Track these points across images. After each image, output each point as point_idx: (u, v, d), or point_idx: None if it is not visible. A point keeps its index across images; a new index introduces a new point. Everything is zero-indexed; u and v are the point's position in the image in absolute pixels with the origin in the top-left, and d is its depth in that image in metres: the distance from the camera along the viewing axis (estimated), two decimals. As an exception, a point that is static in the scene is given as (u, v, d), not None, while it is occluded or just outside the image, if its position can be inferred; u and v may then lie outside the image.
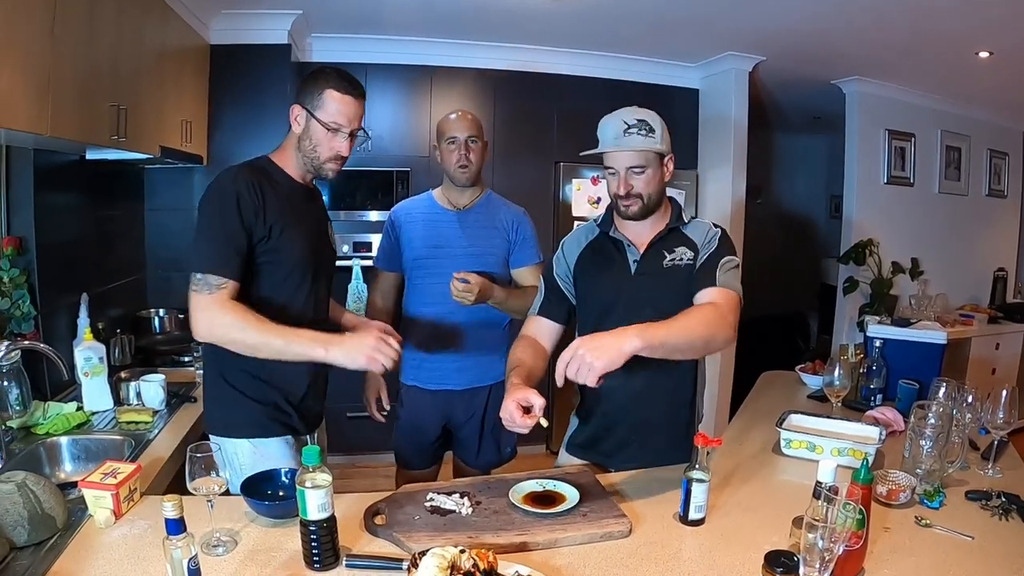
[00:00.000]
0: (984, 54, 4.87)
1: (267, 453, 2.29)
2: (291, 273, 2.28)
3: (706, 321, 2.07)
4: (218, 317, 2.06)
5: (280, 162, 2.33)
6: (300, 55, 4.99)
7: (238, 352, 2.10)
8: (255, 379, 2.28)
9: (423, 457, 3.17)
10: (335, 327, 2.54)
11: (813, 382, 3.24)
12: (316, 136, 2.25)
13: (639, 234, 2.35)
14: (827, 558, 1.45)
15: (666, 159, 2.28)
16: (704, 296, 2.19)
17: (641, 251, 2.33)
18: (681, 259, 2.29)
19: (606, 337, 1.88)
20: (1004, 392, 2.31)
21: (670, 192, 2.44)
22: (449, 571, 1.44)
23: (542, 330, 2.49)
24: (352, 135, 2.29)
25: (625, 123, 2.22)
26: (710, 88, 5.83)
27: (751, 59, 5.44)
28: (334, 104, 2.23)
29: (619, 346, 1.86)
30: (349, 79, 2.27)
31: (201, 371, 3.35)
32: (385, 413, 3.15)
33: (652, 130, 2.21)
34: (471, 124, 2.97)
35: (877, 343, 3.07)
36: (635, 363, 2.33)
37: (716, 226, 2.37)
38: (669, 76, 5.79)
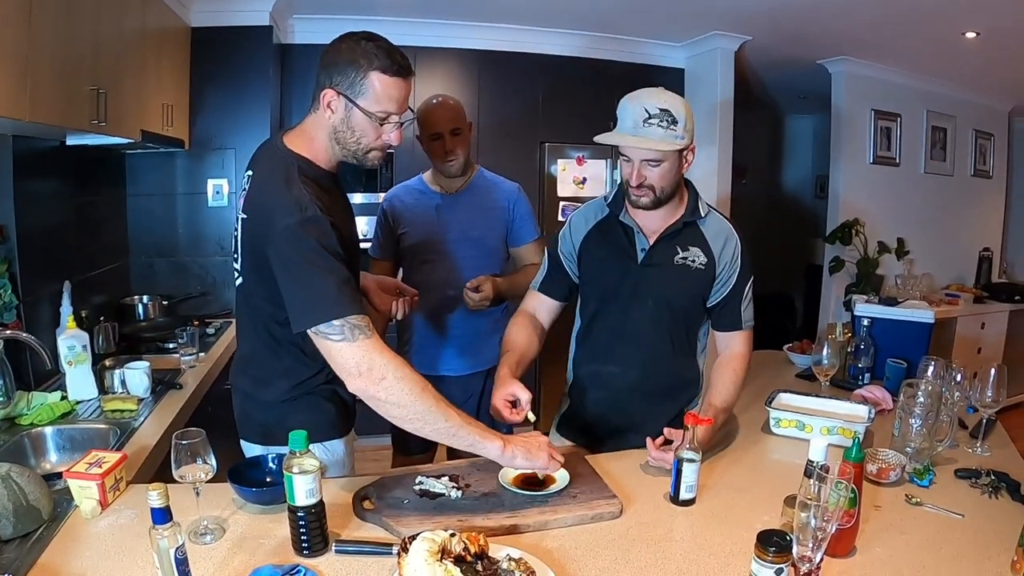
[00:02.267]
0: (971, 34, 4.87)
1: (335, 451, 2.21)
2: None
3: (741, 382, 2.31)
4: (391, 371, 1.77)
5: (306, 152, 1.95)
6: (282, 37, 4.96)
7: (389, 416, 1.81)
8: (329, 383, 2.09)
9: (421, 442, 3.13)
10: None
11: (801, 361, 3.24)
12: (360, 127, 1.89)
13: (650, 222, 2.27)
14: (820, 537, 1.44)
15: (686, 151, 2.14)
16: (732, 344, 2.35)
17: (651, 241, 2.26)
18: (694, 261, 2.25)
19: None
20: (992, 371, 2.32)
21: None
22: (439, 555, 1.42)
23: (541, 306, 2.49)
24: (402, 122, 1.94)
25: (646, 111, 2.04)
26: (696, 68, 5.82)
27: (737, 38, 5.43)
28: (381, 89, 1.85)
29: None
30: (394, 55, 1.87)
31: (188, 356, 3.36)
32: None
33: (675, 121, 2.05)
34: (452, 116, 2.91)
35: (865, 322, 3.07)
36: (633, 354, 2.32)
37: (735, 228, 2.32)
38: (654, 56, 5.80)
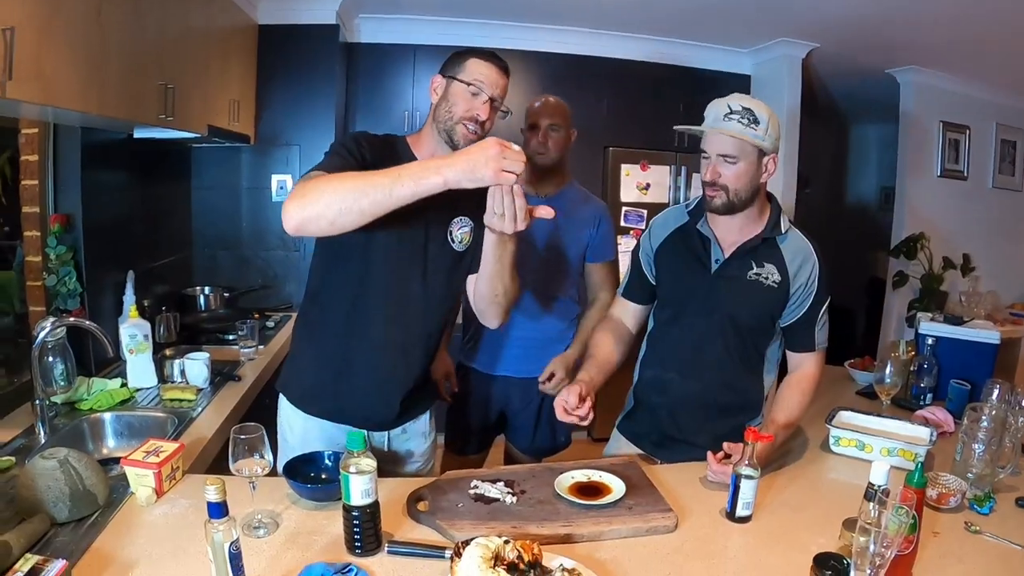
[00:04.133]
0: (1045, 46, 4.74)
1: (293, 421, 2.30)
2: (370, 245, 2.07)
3: (808, 402, 2.29)
4: (304, 185, 1.79)
5: (413, 144, 2.17)
6: (348, 36, 4.99)
7: (342, 215, 1.76)
8: (315, 361, 2.25)
9: (476, 442, 3.17)
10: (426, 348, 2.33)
11: (863, 378, 3.18)
12: (454, 96, 2.07)
13: (728, 233, 2.25)
14: (879, 563, 1.41)
15: (767, 158, 2.13)
16: (804, 364, 2.32)
17: (727, 254, 2.24)
18: (767, 278, 2.21)
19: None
20: (1058, 397, 2.24)
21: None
22: (493, 562, 1.42)
23: (626, 312, 2.52)
24: (493, 102, 2.08)
25: (729, 107, 2.09)
26: (762, 75, 5.74)
27: (805, 46, 5.35)
28: (476, 67, 2.08)
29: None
30: (494, 53, 2.13)
31: (247, 349, 3.43)
32: (454, 393, 3.12)
33: (756, 121, 2.07)
34: (552, 111, 2.92)
35: (929, 341, 2.99)
36: (696, 365, 2.30)
37: (815, 249, 2.26)
38: (721, 62, 5.72)
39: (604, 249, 3.04)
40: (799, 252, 2.23)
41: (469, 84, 2.06)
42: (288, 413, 2.30)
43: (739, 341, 2.28)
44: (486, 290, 2.18)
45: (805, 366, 2.30)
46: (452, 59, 2.14)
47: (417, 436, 2.41)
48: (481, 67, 2.08)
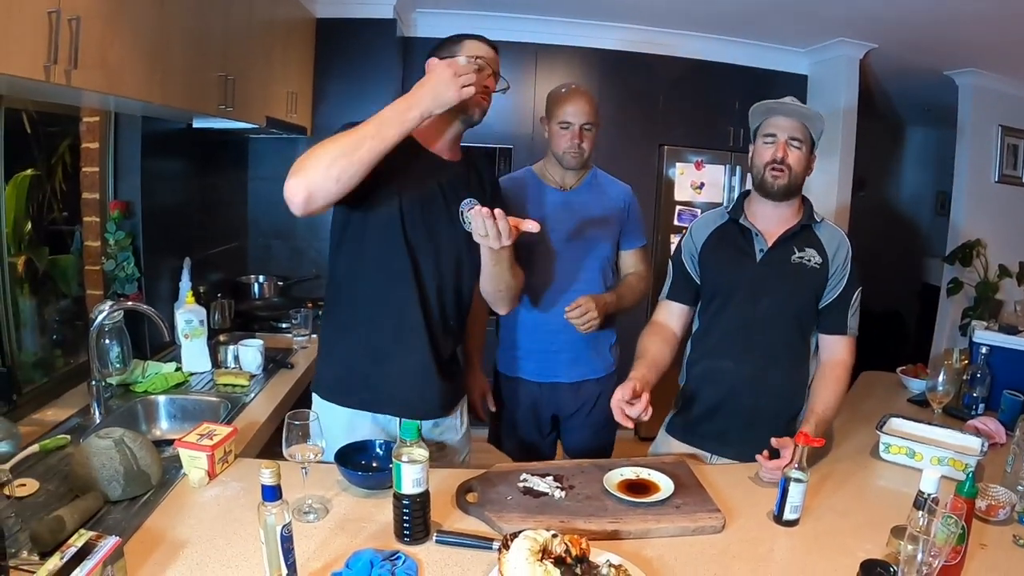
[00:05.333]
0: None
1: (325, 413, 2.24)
2: (385, 230, 2.13)
3: (843, 392, 2.31)
4: (296, 164, 1.92)
5: (416, 134, 2.11)
6: (405, 30, 5.02)
7: (346, 170, 1.88)
8: (343, 348, 2.26)
9: (542, 453, 3.03)
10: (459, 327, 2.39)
11: (915, 385, 3.13)
12: None
13: (769, 225, 2.35)
14: (926, 572, 1.40)
15: (813, 155, 2.32)
16: (836, 349, 2.34)
17: (770, 243, 2.32)
18: (810, 260, 2.30)
19: None
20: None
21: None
22: (540, 555, 1.42)
23: (672, 314, 2.53)
24: (487, 69, 2.12)
25: (796, 101, 2.27)
26: (819, 75, 5.66)
27: (863, 46, 5.28)
28: (468, 45, 2.17)
29: None
30: (481, 36, 2.22)
31: (300, 337, 3.48)
32: (495, 411, 3.00)
33: (818, 117, 2.27)
34: (587, 110, 2.78)
35: (983, 350, 2.94)
36: (748, 352, 2.31)
37: (845, 234, 2.38)
38: (777, 61, 5.65)
39: (636, 234, 2.98)
40: (834, 236, 2.36)
41: (462, 57, 2.10)
42: (322, 415, 2.26)
43: (787, 326, 2.34)
44: (489, 287, 2.29)
45: (837, 352, 2.33)
46: (446, 43, 2.21)
47: (450, 429, 2.42)
48: (472, 43, 2.17)
